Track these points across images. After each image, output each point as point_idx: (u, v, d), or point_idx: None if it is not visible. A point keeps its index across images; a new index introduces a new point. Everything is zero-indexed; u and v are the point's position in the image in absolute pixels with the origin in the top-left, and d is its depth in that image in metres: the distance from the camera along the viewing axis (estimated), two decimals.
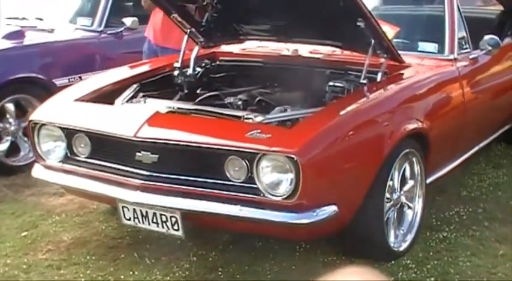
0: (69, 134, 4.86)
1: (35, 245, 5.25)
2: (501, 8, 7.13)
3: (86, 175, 4.81)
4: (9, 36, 7.03)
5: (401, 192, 4.95)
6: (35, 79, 6.80)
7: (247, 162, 4.24)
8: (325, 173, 4.31)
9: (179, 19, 5.73)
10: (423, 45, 5.72)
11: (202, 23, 5.77)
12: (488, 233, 5.37)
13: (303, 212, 4.19)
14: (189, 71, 5.78)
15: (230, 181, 4.34)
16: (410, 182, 5.04)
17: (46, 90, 6.70)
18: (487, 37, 5.83)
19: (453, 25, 5.75)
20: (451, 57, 5.63)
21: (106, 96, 5.25)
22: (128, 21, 7.43)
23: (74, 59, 7.18)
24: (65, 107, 5.07)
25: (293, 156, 4.07)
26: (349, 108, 4.60)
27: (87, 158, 4.85)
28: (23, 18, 7.54)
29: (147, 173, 4.52)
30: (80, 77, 6.98)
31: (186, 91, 5.69)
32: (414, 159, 5.02)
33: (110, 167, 4.71)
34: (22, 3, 7.83)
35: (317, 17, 5.08)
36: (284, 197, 4.15)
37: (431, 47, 5.70)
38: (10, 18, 7.54)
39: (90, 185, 4.79)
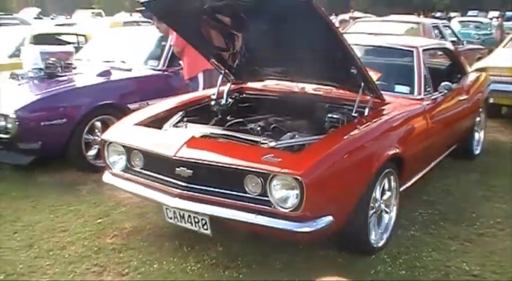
0: (128, 150, 3.98)
1: (105, 231, 4.35)
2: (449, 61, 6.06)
3: (140, 182, 3.92)
4: (100, 74, 6.17)
5: (381, 201, 3.99)
6: (115, 104, 5.92)
7: (262, 180, 3.36)
8: (324, 190, 3.37)
9: (216, 63, 4.83)
10: (398, 88, 4.73)
11: (233, 66, 4.85)
12: (443, 231, 4.38)
13: (305, 222, 3.30)
14: (223, 101, 4.85)
15: (248, 193, 3.44)
16: (388, 193, 4.07)
17: (122, 112, 5.82)
18: (443, 83, 4.93)
19: (420, 73, 4.79)
20: (419, 97, 4.65)
21: (158, 121, 4.33)
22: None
23: (143, 90, 6.27)
24: (126, 130, 4.16)
25: (298, 177, 3.20)
26: (344, 138, 3.66)
27: (141, 169, 3.94)
28: (112, 61, 6.65)
29: (184, 184, 3.63)
30: (147, 103, 6.05)
31: (220, 116, 4.76)
32: (392, 176, 4.06)
33: (157, 178, 3.82)
34: (112, 52, 6.97)
35: (319, 64, 4.15)
36: (291, 209, 3.28)
37: (405, 89, 4.72)
38: (105, 62, 6.65)
39: (143, 191, 3.89)
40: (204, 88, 6.02)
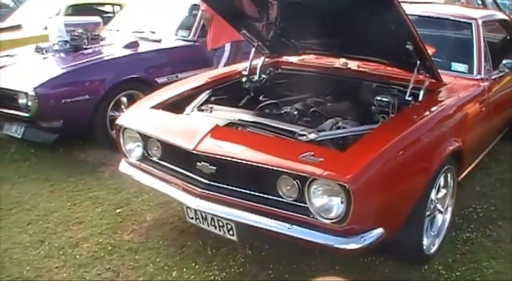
0: (145, 137, 3.19)
1: (123, 224, 3.61)
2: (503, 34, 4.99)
3: (158, 175, 3.13)
4: (127, 46, 5.36)
5: (436, 200, 3.11)
6: (142, 78, 5.12)
7: (298, 183, 2.54)
8: (376, 197, 2.53)
9: (248, 35, 3.93)
10: (455, 66, 3.77)
11: (267, 38, 3.95)
12: (503, 234, 3.50)
13: (351, 237, 2.47)
14: (256, 77, 3.98)
15: (282, 198, 2.62)
16: (443, 191, 3.19)
17: (150, 87, 5.03)
18: (505, 61, 3.98)
19: (480, 50, 3.80)
20: (478, 77, 3.70)
21: (181, 102, 3.50)
22: None
23: (172, 62, 5.43)
24: (142, 114, 3.34)
25: (345, 185, 2.35)
26: (398, 131, 2.74)
27: (159, 159, 3.17)
28: (142, 32, 5.84)
29: (207, 181, 2.84)
30: (177, 76, 5.28)
31: (252, 95, 3.92)
32: (450, 173, 3.17)
33: (177, 171, 3.04)
34: (142, 22, 6.13)
35: (368, 36, 3.24)
36: (334, 221, 2.46)
37: (462, 67, 3.75)
38: (134, 32, 5.83)
39: (161, 186, 3.10)
40: (228, 61, 5.22)
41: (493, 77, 3.85)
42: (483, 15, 4.14)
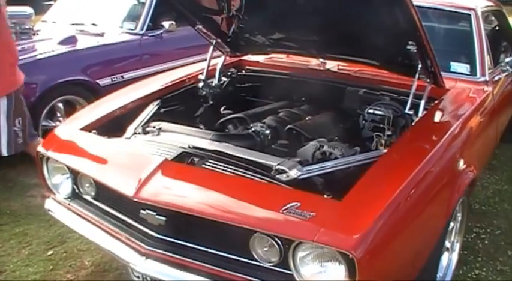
0: (74, 170, 2.37)
1: (55, 273, 2.82)
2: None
3: (92, 220, 2.33)
4: (63, 42, 4.47)
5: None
6: (81, 81, 4.28)
7: (280, 243, 1.81)
8: (386, 260, 1.82)
9: (204, 30, 3.13)
10: (455, 66, 3.09)
11: (228, 33, 3.20)
12: None
13: None
14: (215, 81, 3.22)
15: (257, 261, 1.88)
16: (451, 224, 2.49)
17: (91, 90, 4.29)
18: (508, 59, 3.36)
19: (482, 46, 3.15)
20: (483, 79, 3.04)
21: (122, 118, 2.70)
22: (167, 24, 4.83)
23: (117, 60, 4.60)
24: (70, 139, 2.50)
25: (347, 253, 1.63)
26: (408, 166, 2.01)
27: (93, 199, 2.38)
28: (81, 24, 4.95)
29: (155, 235, 2.08)
30: (122, 76, 4.49)
31: (211, 103, 3.17)
32: (461, 205, 2.50)
33: (116, 218, 2.25)
34: (83, 12, 5.21)
35: (357, 31, 2.53)
36: None
37: (464, 68, 3.08)
38: (73, 24, 4.94)
39: (96, 237, 2.30)
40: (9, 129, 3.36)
41: (495, 78, 3.21)
42: (481, 6, 3.46)
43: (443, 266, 2.57)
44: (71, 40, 4.50)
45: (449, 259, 2.61)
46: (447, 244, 2.53)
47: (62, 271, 2.83)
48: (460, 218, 2.56)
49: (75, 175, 2.40)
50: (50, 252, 3.01)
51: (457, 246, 2.66)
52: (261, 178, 2.06)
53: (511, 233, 3.21)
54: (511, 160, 4.30)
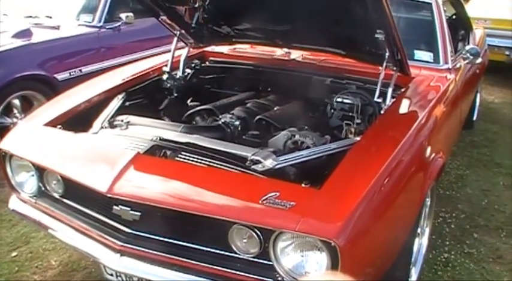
0: (40, 167, 2.26)
1: (21, 274, 2.69)
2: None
3: (61, 218, 2.23)
4: (18, 35, 4.26)
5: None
6: (38, 76, 4.09)
7: (259, 234, 1.76)
8: (367, 247, 1.81)
9: (168, 21, 3.03)
10: (419, 54, 3.12)
11: (192, 24, 3.10)
12: (482, 249, 2.96)
13: None
14: (179, 73, 3.13)
15: (237, 253, 1.83)
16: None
17: (49, 85, 4.12)
18: (469, 47, 3.38)
19: (444, 34, 3.20)
20: (446, 67, 3.08)
21: (87, 112, 2.58)
22: (124, 16, 4.67)
23: (75, 54, 4.43)
24: (34, 135, 2.39)
25: (330, 241, 1.61)
26: (382, 154, 2.00)
27: (61, 196, 2.27)
28: (36, 17, 4.75)
29: (129, 231, 2.00)
30: (80, 70, 4.33)
31: (176, 95, 3.07)
32: (430, 190, 2.53)
33: (86, 215, 2.15)
34: (36, 4, 5.00)
35: (324, 23, 2.53)
36: None
37: (427, 56, 3.11)
38: (27, 17, 4.72)
39: (66, 236, 2.20)
40: None
41: (456, 66, 3.26)
42: None
43: (414, 251, 2.59)
44: (25, 33, 4.31)
45: (419, 244, 2.64)
46: (418, 229, 2.55)
47: (28, 272, 2.71)
48: (429, 203, 2.59)
49: (41, 172, 2.29)
50: (14, 253, 2.87)
51: (427, 231, 2.68)
52: (236, 169, 2.02)
53: (475, 217, 3.28)
54: (470, 145, 4.42)
